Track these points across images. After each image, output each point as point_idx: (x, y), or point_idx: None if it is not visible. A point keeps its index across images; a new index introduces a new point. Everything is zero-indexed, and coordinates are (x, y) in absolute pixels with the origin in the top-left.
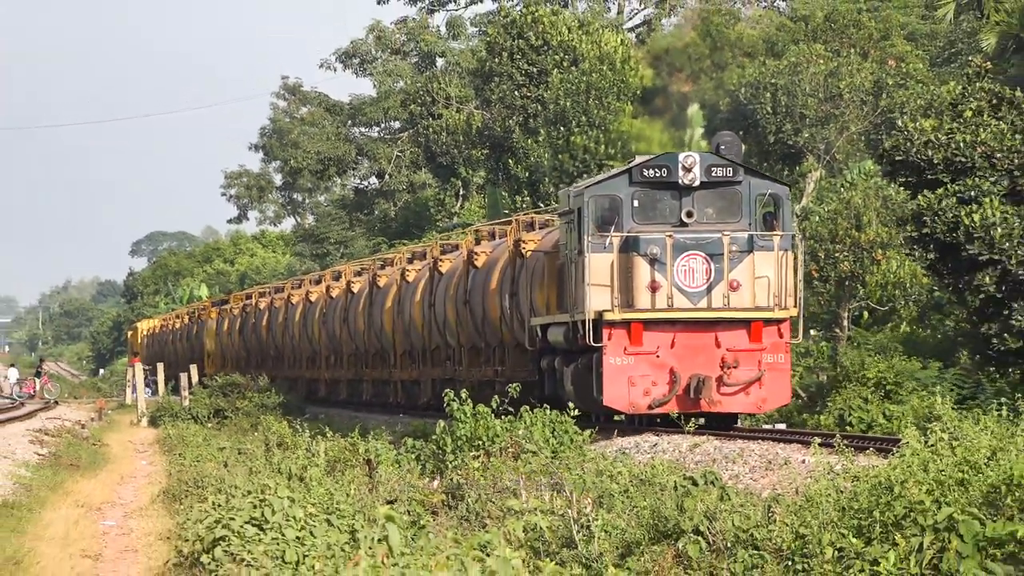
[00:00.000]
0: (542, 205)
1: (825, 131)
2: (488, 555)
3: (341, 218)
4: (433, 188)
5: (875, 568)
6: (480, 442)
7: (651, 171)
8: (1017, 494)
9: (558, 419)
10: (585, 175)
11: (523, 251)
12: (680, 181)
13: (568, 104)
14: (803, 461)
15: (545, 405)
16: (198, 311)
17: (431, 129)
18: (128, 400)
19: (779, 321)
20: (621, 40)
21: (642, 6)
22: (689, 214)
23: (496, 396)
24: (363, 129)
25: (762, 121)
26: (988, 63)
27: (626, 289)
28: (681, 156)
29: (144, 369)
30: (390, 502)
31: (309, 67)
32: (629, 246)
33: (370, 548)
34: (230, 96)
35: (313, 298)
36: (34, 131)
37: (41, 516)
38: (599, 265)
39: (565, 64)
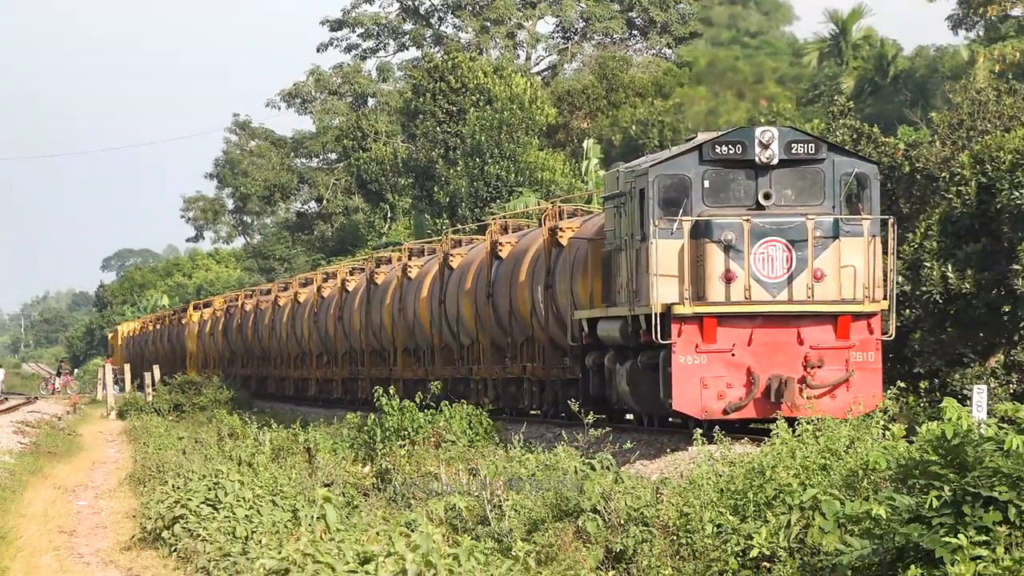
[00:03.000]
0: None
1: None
2: (413, 531)
3: (285, 238)
4: (364, 212)
5: (749, 542)
6: (406, 433)
7: (724, 148)
8: (872, 477)
9: (474, 412)
10: (498, 200)
11: (559, 239)
12: (756, 159)
13: (483, 138)
14: (687, 449)
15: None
16: (179, 314)
17: (362, 160)
18: (99, 396)
19: (869, 315)
20: (529, 83)
21: (547, 53)
22: (767, 196)
23: (524, 394)
24: (304, 160)
25: (650, 153)
26: (850, 103)
27: (697, 279)
28: (758, 131)
29: (113, 369)
30: (327, 485)
31: (257, 106)
32: (700, 231)
33: (310, 525)
34: (188, 131)
35: (302, 299)
36: (21, 161)
37: (23, 497)
38: (666, 253)
39: (480, 104)
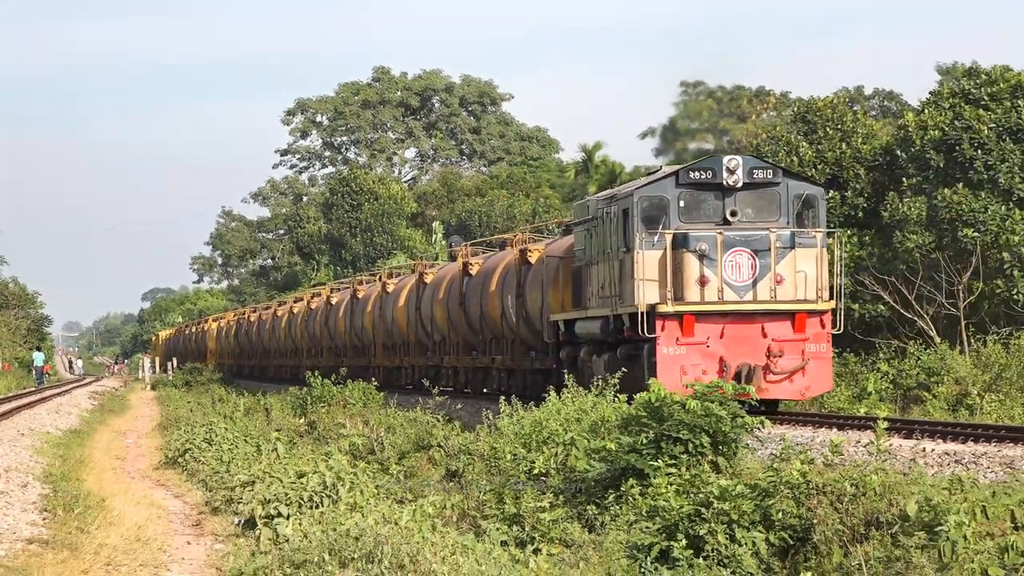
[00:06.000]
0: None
1: (507, 235)
2: (329, 458)
3: (252, 281)
4: (300, 266)
5: (533, 464)
6: (325, 398)
7: (697, 173)
8: (607, 425)
9: (368, 387)
10: (381, 259)
11: (528, 258)
12: (724, 182)
13: (372, 221)
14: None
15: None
16: (201, 323)
17: (299, 234)
18: (140, 376)
19: (821, 312)
20: (400, 187)
21: (411, 169)
22: (733, 213)
23: (492, 380)
24: (264, 234)
25: (474, 230)
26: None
27: (676, 283)
28: (725, 159)
29: (149, 359)
30: (278, 430)
31: (236, 200)
32: (679, 243)
33: (267, 454)
34: (195, 214)
35: (295, 311)
36: (108, 230)
37: (93, 437)
38: (650, 261)
39: (371, 200)
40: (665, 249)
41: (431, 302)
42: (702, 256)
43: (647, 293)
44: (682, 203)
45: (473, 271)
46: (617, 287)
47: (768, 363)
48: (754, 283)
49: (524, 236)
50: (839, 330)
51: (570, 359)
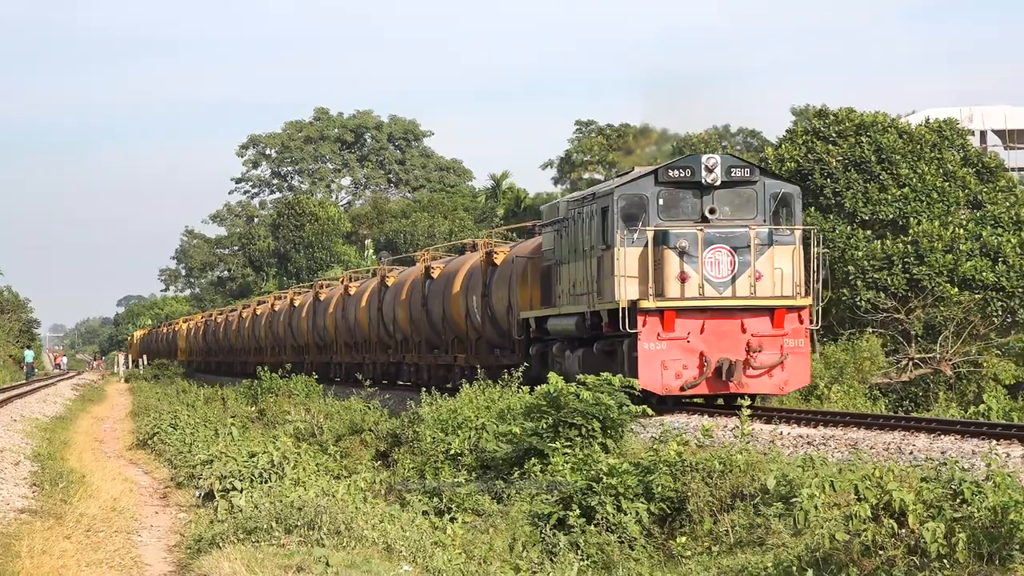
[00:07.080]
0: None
1: (467, 240)
2: (276, 440)
3: (211, 290)
4: (252, 277)
5: (450, 446)
6: (273, 389)
7: (676, 171)
8: (513, 412)
9: (309, 380)
10: (321, 271)
11: (494, 260)
12: (703, 180)
13: (313, 239)
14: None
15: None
16: (172, 324)
17: (252, 250)
18: (115, 371)
19: (799, 308)
20: (337, 210)
21: (347, 195)
22: (712, 211)
23: (454, 376)
24: (221, 250)
25: (400, 247)
26: (501, 221)
27: (657, 279)
28: (704, 157)
29: (123, 356)
30: (233, 417)
31: (197, 221)
32: (659, 240)
33: (224, 438)
34: (163, 232)
35: (259, 312)
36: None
37: (76, 423)
38: (630, 258)
39: (312, 220)
40: (645, 246)
41: (393, 303)
42: (682, 253)
43: (628, 289)
44: (661, 201)
45: (435, 274)
46: (594, 284)
47: (748, 358)
48: (733, 279)
49: (490, 240)
50: (816, 326)
51: (540, 355)
